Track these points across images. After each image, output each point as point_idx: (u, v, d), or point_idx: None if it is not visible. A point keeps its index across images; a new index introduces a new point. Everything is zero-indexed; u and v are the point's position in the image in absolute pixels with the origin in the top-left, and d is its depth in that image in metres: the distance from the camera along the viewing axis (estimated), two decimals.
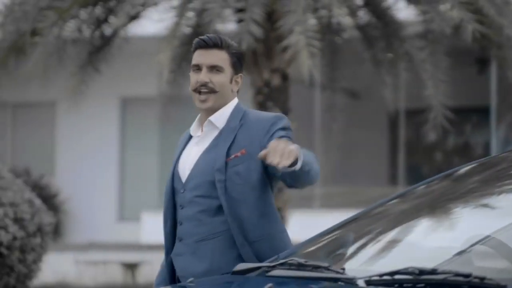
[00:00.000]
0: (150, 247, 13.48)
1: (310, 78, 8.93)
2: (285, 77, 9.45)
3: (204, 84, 3.51)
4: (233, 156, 3.48)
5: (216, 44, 3.55)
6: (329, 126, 11.13)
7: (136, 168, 15.73)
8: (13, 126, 16.34)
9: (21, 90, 14.85)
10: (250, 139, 3.50)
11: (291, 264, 2.70)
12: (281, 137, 3.40)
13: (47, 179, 15.53)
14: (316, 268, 2.62)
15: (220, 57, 3.55)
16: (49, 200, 15.29)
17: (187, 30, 9.44)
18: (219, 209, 3.47)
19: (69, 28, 9.25)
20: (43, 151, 16.11)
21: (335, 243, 3.08)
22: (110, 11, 9.06)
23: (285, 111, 9.44)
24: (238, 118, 3.55)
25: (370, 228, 3.13)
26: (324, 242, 3.08)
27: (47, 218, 6.90)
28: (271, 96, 9.34)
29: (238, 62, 3.61)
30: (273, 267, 2.77)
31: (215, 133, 3.55)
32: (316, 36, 8.64)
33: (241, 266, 2.88)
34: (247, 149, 3.47)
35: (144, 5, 8.76)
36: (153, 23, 9.19)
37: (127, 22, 9.19)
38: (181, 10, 8.57)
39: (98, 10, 9.25)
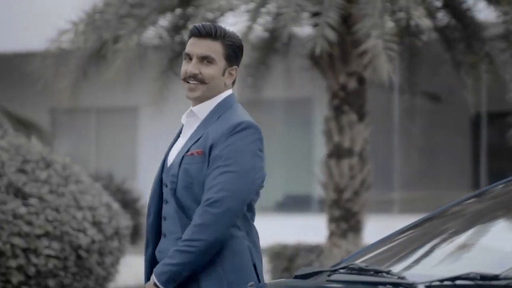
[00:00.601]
0: None
1: (388, 81, 8.86)
2: (361, 81, 9.39)
3: (193, 76, 3.32)
4: (190, 153, 3.29)
5: (209, 33, 3.33)
6: (408, 129, 11.01)
7: None
8: (97, 131, 16.64)
9: (105, 96, 15.13)
10: (208, 139, 3.28)
11: (352, 269, 2.69)
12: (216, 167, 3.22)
13: (129, 183, 15.76)
14: (377, 272, 2.61)
15: (213, 48, 3.33)
16: (131, 204, 15.53)
17: (264, 34, 9.48)
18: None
19: (149, 34, 9.38)
20: (126, 156, 16.36)
21: (400, 246, 3.05)
22: (188, 17, 9.15)
23: (362, 115, 9.40)
24: (219, 113, 3.35)
25: (440, 230, 3.07)
26: (389, 246, 3.05)
27: (124, 222, 7.00)
28: (347, 100, 9.29)
29: (233, 54, 3.37)
30: (335, 271, 2.76)
31: (196, 124, 3.37)
32: (394, 39, 8.56)
33: (304, 270, 2.88)
34: (204, 149, 3.27)
35: (220, 10, 8.81)
36: (230, 28, 9.25)
37: None
38: (254, 14, 8.59)
39: (177, 16, 9.35)
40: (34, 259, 6.35)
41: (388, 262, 2.85)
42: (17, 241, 6.27)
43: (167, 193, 3.33)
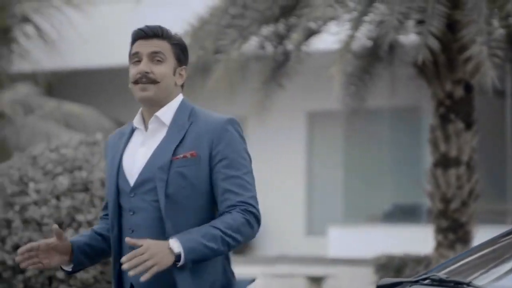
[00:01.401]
0: (336, 261, 13.47)
1: (495, 88, 8.64)
2: (468, 88, 9.18)
3: (144, 75, 3.14)
4: (181, 155, 3.11)
5: (156, 33, 3.20)
6: None
7: (323, 182, 15.77)
8: None
9: (214, 106, 15.26)
10: (200, 141, 3.12)
11: (433, 280, 2.62)
12: (223, 164, 3.07)
13: None
14: (457, 284, 2.53)
15: (162, 46, 3.20)
16: None
17: (367, 42, 9.39)
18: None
19: (251, 45, 9.43)
20: None
21: (488, 258, 2.96)
22: (291, 27, 9.15)
23: (470, 123, 9.19)
24: (186, 115, 3.19)
25: None
26: (476, 257, 2.96)
27: None
28: (454, 108, 9.11)
29: (182, 53, 3.24)
30: (416, 282, 2.69)
31: (163, 131, 3.18)
32: (500, 45, 8.35)
33: (385, 281, 2.81)
34: (197, 151, 3.11)
35: (323, 19, 8.78)
36: (334, 37, 9.20)
37: (307, 37, 9.24)
38: (356, 23, 8.52)
39: (279, 26, 9.36)
40: None
41: (474, 274, 2.76)
42: None
43: (134, 203, 3.13)
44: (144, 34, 3.20)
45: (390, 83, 11.07)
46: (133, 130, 3.24)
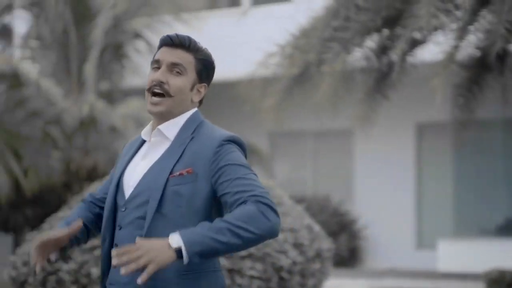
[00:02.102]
0: (446, 275, 13.20)
1: None
2: None
3: (159, 84, 2.96)
4: (177, 173, 2.91)
5: (183, 44, 3.01)
6: None
7: (432, 194, 15.49)
8: (313, 153, 16.77)
9: (320, 119, 15.25)
10: (198, 157, 2.93)
11: None
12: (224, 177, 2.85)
13: (346, 205, 15.75)
14: None
15: (185, 58, 3.01)
16: (348, 226, 15.50)
17: (475, 52, 9.18)
18: (160, 235, 2.84)
19: (354, 57, 9.35)
20: (342, 178, 16.37)
21: None
22: (395, 37, 9.04)
23: None
24: (190, 130, 3.00)
25: None
26: None
27: (326, 244, 6.98)
28: None
29: (205, 70, 3.04)
30: None
31: (165, 145, 2.99)
32: None
33: None
34: (194, 168, 2.91)
35: (427, 29, 8.62)
36: (440, 47, 9.05)
37: (411, 47, 9.11)
38: (461, 33, 8.34)
39: (383, 37, 9.26)
40: (238, 280, 6.46)
41: None
42: (222, 261, 6.41)
43: (123, 217, 2.97)
44: (170, 41, 3.03)
45: (501, 93, 10.78)
46: (143, 142, 3.09)
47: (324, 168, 16.59)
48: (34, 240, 3.03)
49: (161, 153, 2.99)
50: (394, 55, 9.18)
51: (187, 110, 3.04)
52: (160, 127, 2.98)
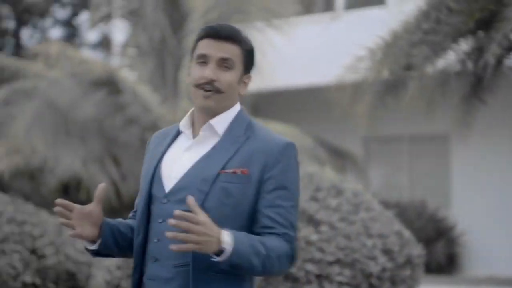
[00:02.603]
0: None
1: None
2: None
3: (210, 82, 2.87)
4: (231, 170, 2.82)
5: (230, 36, 2.89)
6: None
7: None
8: (409, 158, 16.58)
9: (416, 123, 15.06)
10: (253, 160, 2.84)
11: None
12: (273, 189, 2.79)
13: (443, 211, 15.51)
14: None
15: (233, 52, 2.89)
16: (445, 232, 15.25)
17: None
18: None
19: (449, 60, 9.20)
20: (439, 183, 16.13)
21: None
22: (489, 40, 8.85)
23: None
24: (242, 128, 2.91)
25: None
26: None
27: (417, 250, 6.88)
28: None
29: (251, 61, 2.94)
30: None
31: (214, 140, 2.90)
32: None
33: None
34: (248, 170, 2.82)
35: None
36: None
37: (508, 50, 8.90)
38: None
39: (477, 40, 9.08)
40: (327, 285, 6.43)
41: None
42: (310, 267, 6.39)
43: (165, 210, 2.85)
44: (216, 34, 2.89)
45: None
46: (178, 133, 2.99)
47: (420, 173, 16.38)
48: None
49: (210, 148, 2.90)
50: (490, 58, 9.00)
51: (235, 103, 2.96)
52: (212, 122, 2.90)
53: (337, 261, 6.44)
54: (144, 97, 13.44)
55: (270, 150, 2.86)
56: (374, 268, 6.48)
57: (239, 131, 2.91)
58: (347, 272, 6.42)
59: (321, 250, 6.44)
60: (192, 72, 2.94)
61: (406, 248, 6.75)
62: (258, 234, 2.82)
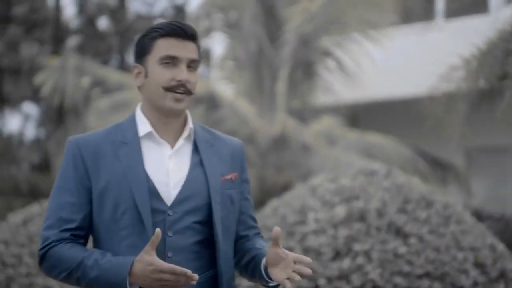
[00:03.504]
0: None
1: None
2: None
3: (183, 85, 2.78)
4: (229, 177, 2.84)
5: (194, 35, 2.80)
6: None
7: None
8: None
9: (503, 136, 14.70)
10: (234, 163, 2.89)
11: None
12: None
13: None
14: None
15: (197, 51, 2.82)
16: None
17: None
18: (213, 240, 2.79)
19: None
20: None
21: None
22: None
23: None
24: (200, 129, 2.89)
25: None
26: None
27: (510, 264, 6.67)
28: None
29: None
30: None
31: (188, 145, 2.85)
32: None
33: None
34: (237, 174, 2.91)
35: None
36: None
37: None
38: None
39: None
40: None
41: None
42: (398, 280, 6.28)
43: (172, 223, 2.75)
44: (183, 33, 2.78)
45: None
46: (137, 139, 2.82)
47: None
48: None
49: (189, 152, 2.84)
50: None
51: None
52: (191, 126, 2.85)
53: (427, 274, 6.31)
54: (242, 110, 13.52)
55: (239, 152, 2.94)
56: (465, 281, 6.32)
57: (203, 134, 2.89)
58: (437, 285, 6.28)
59: (409, 263, 6.32)
60: (152, 73, 2.80)
61: (500, 261, 6.55)
62: (245, 235, 2.96)
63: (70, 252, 2.75)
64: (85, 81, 14.60)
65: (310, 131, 13.85)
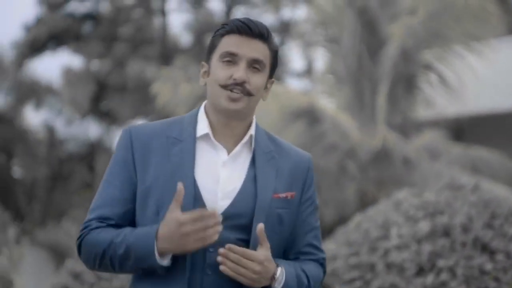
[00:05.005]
0: None
1: None
2: None
3: (240, 84, 2.57)
4: (283, 195, 2.58)
5: (262, 34, 2.58)
6: None
7: None
8: None
9: None
10: (294, 180, 2.62)
11: None
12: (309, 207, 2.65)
13: None
14: None
15: (264, 52, 2.60)
16: None
17: None
18: None
19: None
20: None
21: None
22: None
23: None
24: (265, 139, 2.66)
25: None
26: None
27: None
28: None
29: (276, 62, 2.65)
30: None
31: (247, 154, 2.63)
32: None
33: None
34: (294, 192, 2.63)
35: None
36: None
37: None
38: None
39: None
40: None
41: None
42: None
43: (218, 237, 2.51)
44: (248, 30, 2.58)
45: None
46: (194, 138, 2.64)
47: None
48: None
49: (246, 163, 2.64)
50: None
51: (254, 110, 2.68)
52: (253, 133, 2.65)
53: None
54: (343, 124, 13.51)
55: (303, 167, 2.69)
56: None
57: (266, 144, 2.67)
58: None
59: (496, 280, 6.19)
60: (213, 71, 2.64)
61: None
62: (295, 258, 2.73)
63: (101, 234, 2.59)
64: (191, 94, 14.86)
65: (412, 145, 13.71)
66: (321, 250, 2.77)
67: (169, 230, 2.45)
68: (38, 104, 25.31)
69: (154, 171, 2.59)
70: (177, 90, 14.66)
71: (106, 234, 2.58)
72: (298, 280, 2.63)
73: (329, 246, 6.69)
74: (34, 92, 24.99)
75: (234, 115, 2.63)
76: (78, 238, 2.65)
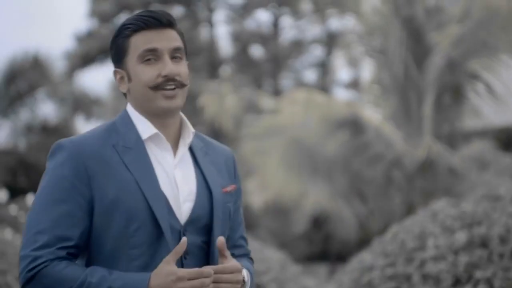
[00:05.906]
0: None
1: None
2: None
3: (173, 78, 2.46)
4: (229, 188, 2.54)
5: (170, 21, 2.46)
6: None
7: None
8: None
9: None
10: (229, 173, 2.60)
11: None
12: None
13: None
14: None
15: (178, 38, 2.51)
16: None
17: None
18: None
19: None
20: None
21: None
22: None
23: None
24: (193, 135, 2.57)
25: None
26: None
27: None
28: None
29: (186, 45, 2.57)
30: None
31: (188, 153, 2.56)
32: None
33: None
34: (235, 185, 2.62)
35: None
36: None
37: None
38: None
39: None
40: None
41: None
42: None
43: (188, 244, 2.45)
44: (157, 23, 2.45)
45: None
46: (141, 143, 2.51)
47: None
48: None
49: (190, 162, 2.56)
50: None
51: None
52: (194, 129, 2.57)
53: None
54: (388, 135, 13.45)
55: (231, 160, 2.65)
56: None
57: (196, 141, 2.60)
58: None
59: None
60: (135, 75, 2.49)
61: None
62: (231, 253, 2.66)
63: (67, 270, 2.40)
64: (238, 105, 14.91)
65: (459, 156, 13.58)
66: (247, 244, 2.75)
67: (165, 283, 2.36)
68: (88, 116, 25.61)
69: (114, 184, 2.44)
70: (224, 102, 14.72)
71: (74, 271, 2.41)
72: (251, 276, 2.63)
73: (365, 257, 6.65)
74: (84, 104, 25.30)
75: (173, 113, 2.53)
76: (30, 269, 2.41)
